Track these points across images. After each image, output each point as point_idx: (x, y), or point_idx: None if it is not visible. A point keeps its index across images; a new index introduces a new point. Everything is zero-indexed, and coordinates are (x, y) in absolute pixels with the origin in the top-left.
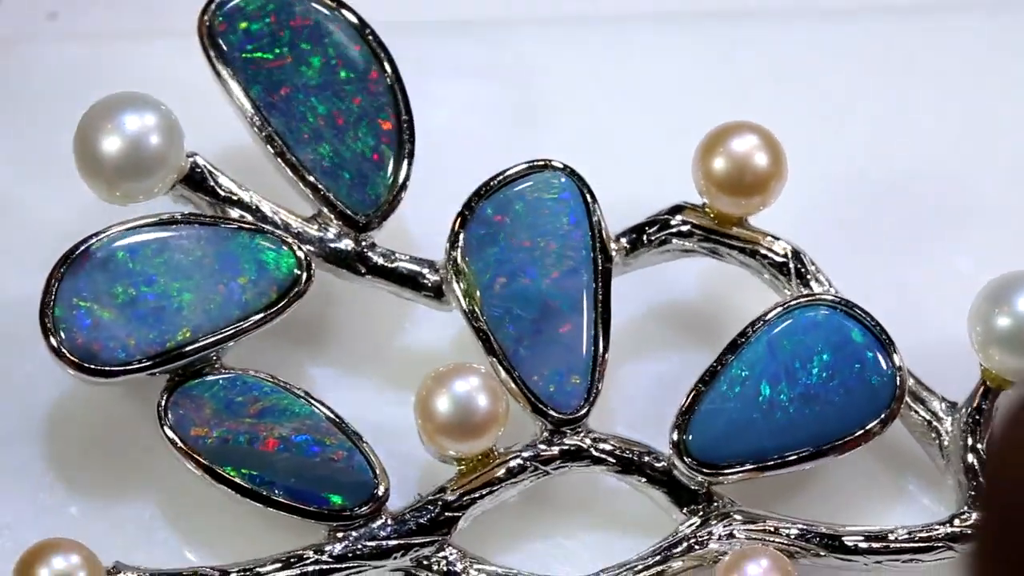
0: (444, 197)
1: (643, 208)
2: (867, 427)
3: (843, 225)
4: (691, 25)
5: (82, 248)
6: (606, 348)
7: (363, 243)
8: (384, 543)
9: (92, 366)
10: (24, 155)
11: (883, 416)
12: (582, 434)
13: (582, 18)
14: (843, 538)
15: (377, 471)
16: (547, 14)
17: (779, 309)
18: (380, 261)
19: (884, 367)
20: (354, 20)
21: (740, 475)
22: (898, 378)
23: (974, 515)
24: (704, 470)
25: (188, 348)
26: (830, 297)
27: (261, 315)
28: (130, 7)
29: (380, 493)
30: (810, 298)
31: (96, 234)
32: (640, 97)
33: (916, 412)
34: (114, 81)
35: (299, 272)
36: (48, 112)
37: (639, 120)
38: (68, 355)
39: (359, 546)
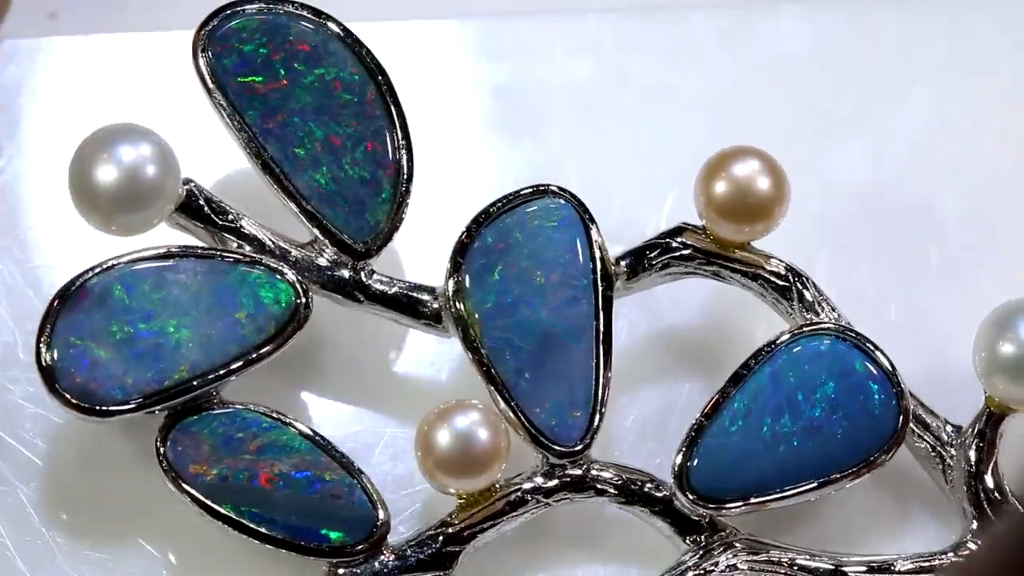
0: (441, 215)
1: (641, 219)
2: (871, 458)
3: (846, 246)
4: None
5: (78, 284)
6: (608, 380)
7: (361, 271)
8: None
9: (90, 406)
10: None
11: (886, 446)
12: (584, 465)
13: (582, 24)
14: (846, 568)
15: (378, 506)
16: (546, 8)
17: (783, 338)
18: (379, 288)
19: (887, 397)
20: (349, 40)
21: (743, 508)
22: (902, 408)
23: (979, 544)
24: (707, 504)
25: (186, 386)
26: (833, 326)
27: (259, 351)
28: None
29: (380, 528)
30: (813, 327)
31: (92, 269)
32: (635, 108)
33: (921, 437)
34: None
35: (297, 302)
36: (48, 133)
37: (635, 131)
38: (66, 395)
39: None
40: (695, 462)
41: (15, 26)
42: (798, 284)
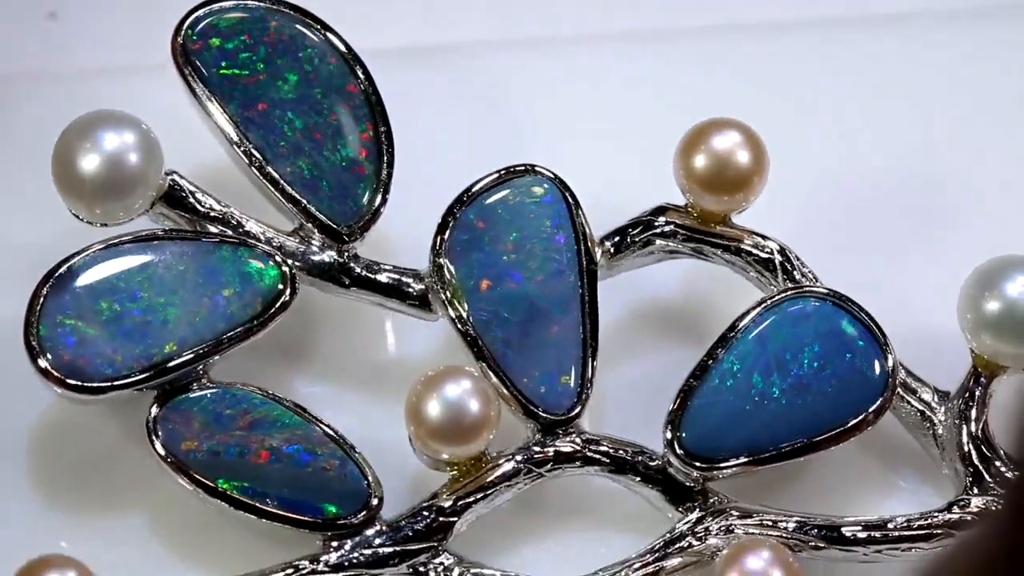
0: (424, 211)
1: (623, 217)
2: (861, 417)
3: (829, 222)
4: (667, 40)
5: (65, 267)
6: (595, 348)
7: (346, 255)
8: (380, 550)
9: (80, 383)
10: (5, 179)
11: (876, 405)
12: (574, 435)
13: (556, 37)
14: (841, 529)
15: (370, 479)
16: (522, 36)
17: (768, 301)
18: (364, 272)
19: (875, 356)
20: (328, 33)
21: (735, 468)
22: (890, 366)
23: (974, 501)
24: (699, 464)
25: (175, 361)
26: (819, 288)
27: (246, 326)
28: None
29: (374, 501)
30: (799, 290)
31: (78, 252)
32: (618, 112)
33: (909, 403)
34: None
35: (282, 286)
36: (29, 139)
37: (617, 135)
38: (55, 373)
39: (355, 554)
40: (686, 423)
41: (15, 25)
42: (780, 257)
